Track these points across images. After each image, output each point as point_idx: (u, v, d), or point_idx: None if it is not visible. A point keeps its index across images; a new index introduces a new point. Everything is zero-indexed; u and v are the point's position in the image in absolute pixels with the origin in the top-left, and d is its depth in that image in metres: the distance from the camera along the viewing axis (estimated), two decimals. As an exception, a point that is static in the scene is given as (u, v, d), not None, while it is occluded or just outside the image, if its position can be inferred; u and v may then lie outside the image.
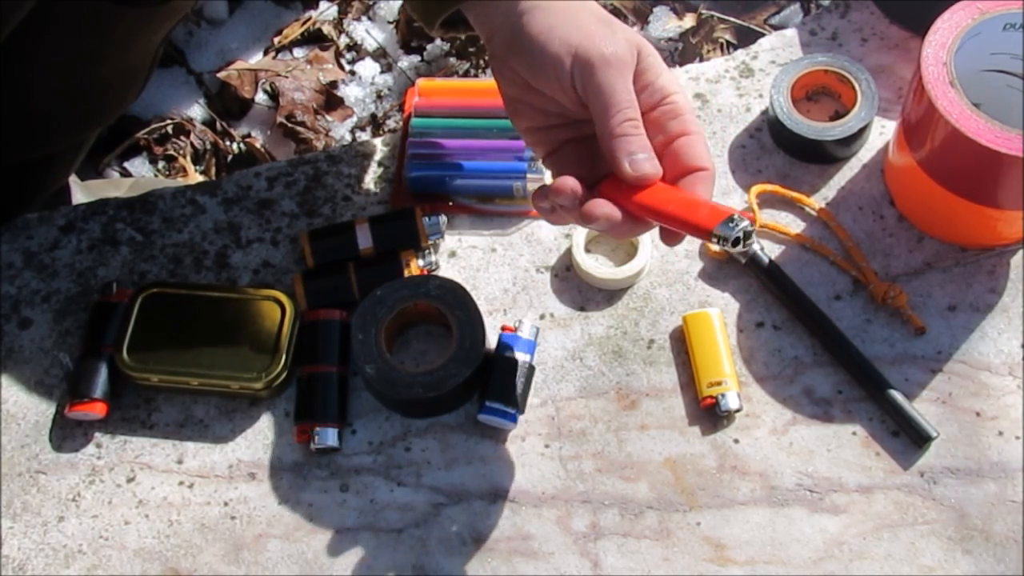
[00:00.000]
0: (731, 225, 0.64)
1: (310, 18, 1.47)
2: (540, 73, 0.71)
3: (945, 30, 0.81)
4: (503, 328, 0.85)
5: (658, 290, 0.88)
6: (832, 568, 0.79)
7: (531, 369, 0.84)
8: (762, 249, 0.87)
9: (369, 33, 1.46)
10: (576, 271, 0.89)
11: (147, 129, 1.39)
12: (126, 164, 1.38)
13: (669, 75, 0.71)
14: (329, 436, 0.82)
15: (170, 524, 0.82)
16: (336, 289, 0.87)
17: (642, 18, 1.44)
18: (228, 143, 1.39)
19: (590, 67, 0.69)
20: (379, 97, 1.42)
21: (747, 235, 0.64)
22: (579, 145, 0.74)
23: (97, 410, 0.83)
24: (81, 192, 1.20)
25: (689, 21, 1.44)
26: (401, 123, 0.97)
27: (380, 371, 0.82)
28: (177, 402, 0.86)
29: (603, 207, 0.68)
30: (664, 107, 0.71)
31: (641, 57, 0.70)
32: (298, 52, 1.45)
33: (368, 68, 1.44)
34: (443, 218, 0.89)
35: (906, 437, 0.82)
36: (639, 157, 0.68)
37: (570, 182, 0.68)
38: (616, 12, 1.45)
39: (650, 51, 0.71)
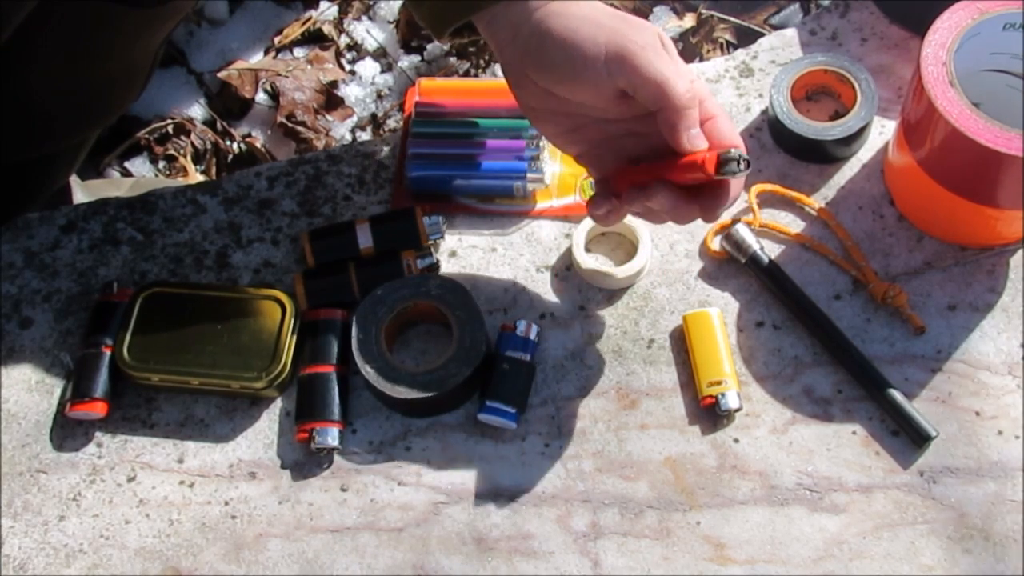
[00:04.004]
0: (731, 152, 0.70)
1: (310, 18, 1.47)
2: (572, 76, 0.71)
3: (945, 30, 0.81)
4: (503, 328, 0.85)
5: (658, 290, 0.88)
6: (832, 567, 0.79)
7: (531, 369, 0.84)
8: (762, 249, 0.87)
9: (369, 33, 1.46)
10: (576, 271, 0.89)
11: (148, 129, 1.39)
12: (127, 164, 1.38)
13: (682, 63, 0.73)
14: (329, 436, 0.82)
15: (171, 523, 0.82)
16: (336, 289, 0.87)
17: (641, 18, 1.44)
18: (228, 143, 1.39)
19: (628, 57, 0.69)
20: (379, 97, 1.43)
21: (746, 160, 0.70)
22: (611, 141, 0.75)
23: (98, 409, 0.83)
24: (82, 192, 1.20)
25: (689, 21, 1.44)
26: (401, 123, 0.97)
27: (380, 370, 0.82)
28: (178, 401, 0.86)
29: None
30: None
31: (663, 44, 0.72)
32: (298, 52, 1.45)
33: (368, 68, 1.44)
34: (443, 218, 0.89)
35: (906, 436, 0.82)
36: (694, 132, 0.70)
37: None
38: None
39: (668, 40, 0.73)
